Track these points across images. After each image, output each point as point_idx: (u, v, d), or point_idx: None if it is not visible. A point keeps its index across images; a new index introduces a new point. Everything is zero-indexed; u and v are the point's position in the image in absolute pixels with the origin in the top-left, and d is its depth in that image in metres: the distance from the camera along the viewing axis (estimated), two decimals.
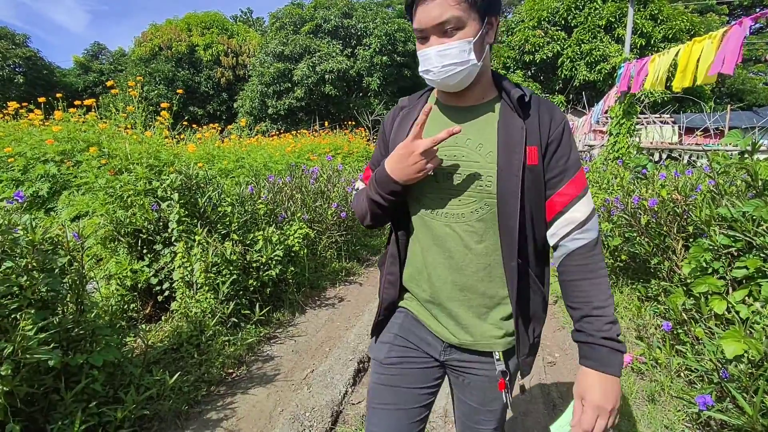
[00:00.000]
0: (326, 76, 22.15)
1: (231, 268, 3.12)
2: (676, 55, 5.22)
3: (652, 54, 6.86)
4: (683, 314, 2.51)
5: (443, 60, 0.94)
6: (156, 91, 24.84)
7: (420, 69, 0.99)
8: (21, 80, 27.50)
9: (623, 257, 3.67)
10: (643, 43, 18.69)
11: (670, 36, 18.87)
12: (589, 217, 0.99)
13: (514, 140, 0.96)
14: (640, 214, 3.26)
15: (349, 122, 12.49)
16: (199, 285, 3.00)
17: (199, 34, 28.12)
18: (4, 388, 1.45)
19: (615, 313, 3.33)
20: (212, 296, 3.01)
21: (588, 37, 19.45)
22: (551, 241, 1.03)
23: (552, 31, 20.39)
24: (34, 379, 1.70)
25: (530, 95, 1.01)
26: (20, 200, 1.80)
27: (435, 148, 0.96)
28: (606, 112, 8.49)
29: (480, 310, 1.06)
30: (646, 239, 3.19)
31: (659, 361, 2.59)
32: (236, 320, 3.13)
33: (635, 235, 3.34)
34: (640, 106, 9.95)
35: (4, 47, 26.98)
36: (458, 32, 0.93)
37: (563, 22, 20.46)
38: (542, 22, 20.67)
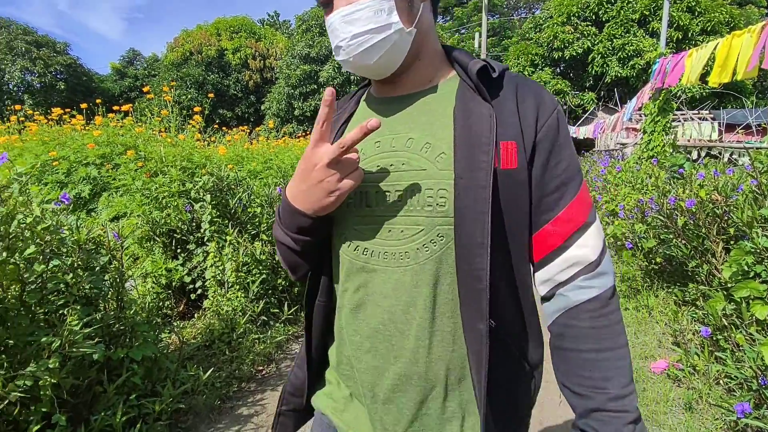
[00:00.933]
0: (352, 77, 22.32)
1: (261, 267, 3.19)
2: (714, 49, 5.01)
3: (689, 48, 6.61)
4: (723, 320, 2.41)
5: (352, 27, 0.65)
6: (187, 95, 25.63)
7: (333, 48, 0.70)
8: (62, 87, 28.87)
9: (658, 260, 3.55)
10: (680, 37, 18.01)
11: (708, 29, 18.11)
12: (602, 255, 0.67)
13: (478, 133, 0.64)
14: (677, 215, 3.14)
15: None
16: (230, 284, 3.09)
17: (228, 38, 28.84)
18: (52, 380, 1.54)
19: (650, 321, 3.26)
20: (243, 295, 3.09)
21: (620, 32, 18.88)
22: (542, 290, 0.70)
23: (582, 26, 19.89)
24: (79, 371, 1.79)
25: (501, 70, 0.70)
26: (66, 202, 1.90)
27: (353, 156, 0.65)
28: (640, 109, 8.22)
29: (449, 406, 0.69)
30: (683, 241, 3.08)
31: (697, 368, 2.50)
32: (266, 318, 3.20)
33: (671, 237, 3.23)
34: (676, 102, 9.59)
35: (46, 55, 28.41)
36: None
37: (594, 17, 19.93)
38: (572, 18, 20.19)
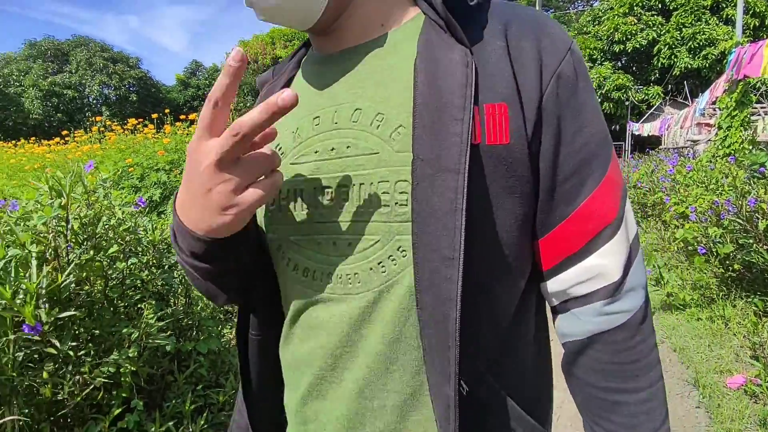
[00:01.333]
0: None
1: None
2: None
3: (767, 36, 6.03)
4: None
5: None
6: (245, 103, 26.97)
7: None
8: (134, 98, 31.39)
9: (736, 266, 3.28)
10: (757, 24, 16.51)
11: None
12: (629, 264, 0.47)
13: (448, 91, 0.42)
14: (758, 218, 2.89)
15: None
16: None
17: (282, 46, 30.02)
18: (132, 368, 1.68)
19: (726, 333, 3.00)
20: None
21: (691, 20, 17.61)
22: (553, 300, 0.52)
23: (647, 16, 18.74)
24: (153, 361, 1.94)
25: None
26: (142, 205, 2.07)
27: (265, 151, 0.43)
28: (714, 103, 7.61)
29: None
30: (766, 247, 2.82)
31: None
32: None
33: (751, 242, 2.98)
34: (756, 95, 8.77)
35: (121, 70, 31.01)
36: None
37: (660, 5, 18.73)
38: (635, 8, 19.08)
